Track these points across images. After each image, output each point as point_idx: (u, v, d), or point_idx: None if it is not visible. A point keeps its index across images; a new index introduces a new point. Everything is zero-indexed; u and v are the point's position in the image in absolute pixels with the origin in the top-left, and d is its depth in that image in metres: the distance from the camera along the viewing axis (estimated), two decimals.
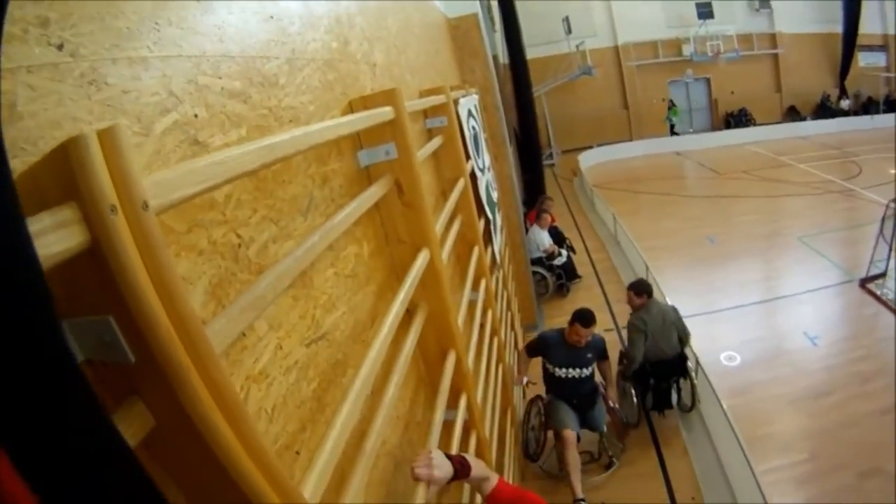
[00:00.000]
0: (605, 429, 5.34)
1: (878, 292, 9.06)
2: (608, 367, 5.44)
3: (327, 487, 1.28)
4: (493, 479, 2.41)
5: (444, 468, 1.81)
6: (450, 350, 2.18)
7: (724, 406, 5.51)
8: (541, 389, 5.48)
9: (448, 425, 2.28)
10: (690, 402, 6.21)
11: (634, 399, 6.02)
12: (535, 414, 5.57)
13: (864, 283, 9.39)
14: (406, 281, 1.66)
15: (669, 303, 6.62)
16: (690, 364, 6.11)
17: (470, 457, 2.19)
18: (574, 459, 4.77)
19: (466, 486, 2.32)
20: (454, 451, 2.17)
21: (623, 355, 6.17)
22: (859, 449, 5.97)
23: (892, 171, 15.55)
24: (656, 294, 6.58)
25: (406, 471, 1.90)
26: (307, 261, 1.15)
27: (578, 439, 5.03)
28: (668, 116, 23.63)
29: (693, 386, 6.12)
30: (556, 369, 5.02)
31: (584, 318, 4.76)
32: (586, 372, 5.06)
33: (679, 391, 6.20)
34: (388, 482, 1.78)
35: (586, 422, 5.21)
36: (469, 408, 2.47)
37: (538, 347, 5.15)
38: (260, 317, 1.07)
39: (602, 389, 5.46)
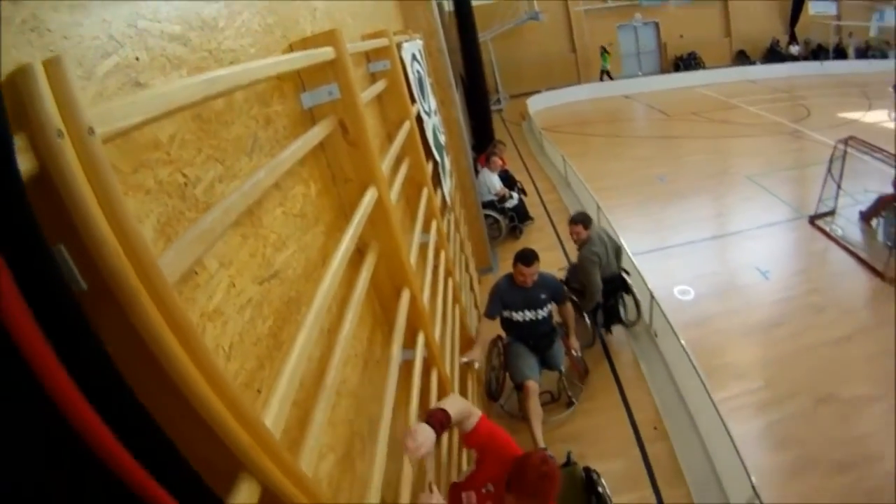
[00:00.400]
0: (563, 368, 5.37)
1: (828, 229, 9.36)
2: (569, 315, 5.36)
3: (291, 424, 1.33)
4: (475, 416, 2.55)
5: (427, 440, 2.01)
6: (403, 288, 2.23)
7: (681, 338, 5.68)
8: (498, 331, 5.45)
9: (408, 365, 2.34)
10: (635, 316, 6.72)
11: (587, 320, 6.24)
12: (495, 355, 5.58)
13: (813, 220, 9.69)
14: (354, 217, 1.68)
15: (618, 239, 6.85)
16: (629, 280, 6.47)
17: (451, 401, 2.32)
18: (536, 409, 4.82)
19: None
20: (415, 390, 2.22)
21: (572, 287, 6.25)
22: (813, 376, 6.24)
23: (841, 115, 15.94)
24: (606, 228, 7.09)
25: (370, 410, 1.95)
26: (253, 196, 1.16)
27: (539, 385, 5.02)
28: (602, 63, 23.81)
29: (636, 300, 6.57)
30: (513, 313, 5.01)
31: (524, 257, 4.74)
32: (542, 313, 5.03)
33: (625, 306, 6.57)
34: (352, 420, 1.82)
35: (545, 362, 5.23)
36: (427, 346, 2.53)
37: (495, 300, 4.99)
38: (209, 252, 1.08)
39: (562, 333, 5.43)
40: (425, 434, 2.03)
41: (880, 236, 8.89)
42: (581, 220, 6.01)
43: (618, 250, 6.38)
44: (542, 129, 15.21)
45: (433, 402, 2.64)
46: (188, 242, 0.89)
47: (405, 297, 2.21)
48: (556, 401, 5.61)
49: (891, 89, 15.88)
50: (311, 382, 1.46)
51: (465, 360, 4.51)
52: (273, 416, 1.04)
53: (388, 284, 2.19)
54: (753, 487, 4.10)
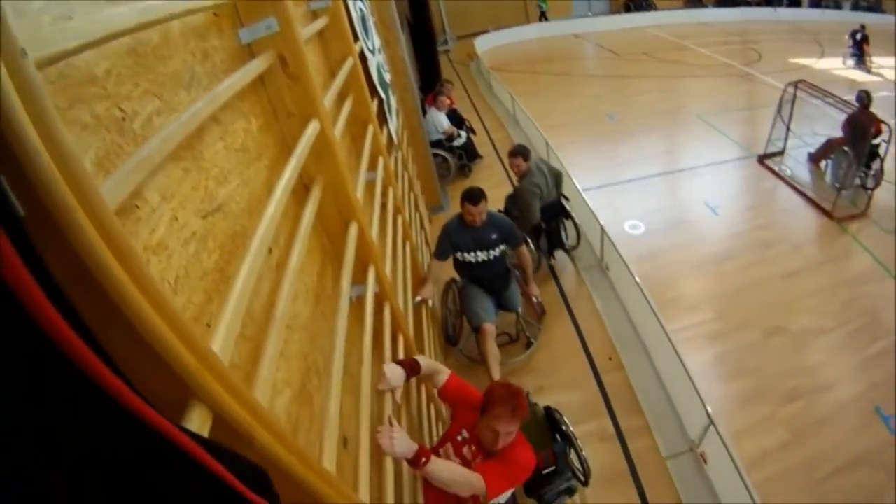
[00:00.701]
0: (520, 309, 5.34)
1: (776, 168, 9.65)
2: (525, 260, 5.18)
3: (244, 358, 1.36)
4: (445, 373, 2.73)
5: (396, 375, 2.25)
6: (351, 222, 2.25)
7: (632, 271, 5.81)
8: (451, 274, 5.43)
9: (362, 300, 2.38)
10: (575, 240, 7.08)
11: (531, 246, 6.26)
12: (451, 299, 5.57)
13: (762, 159, 9.97)
14: (297, 148, 1.69)
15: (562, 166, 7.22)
16: (568, 206, 6.73)
17: (422, 358, 2.54)
18: (493, 351, 4.78)
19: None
20: (368, 324, 2.27)
21: (511, 214, 6.28)
22: (763, 309, 6.48)
23: (792, 60, 16.14)
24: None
25: (323, 344, 1.99)
26: (192, 126, 1.15)
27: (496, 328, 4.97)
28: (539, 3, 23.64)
29: (576, 225, 6.94)
30: (465, 254, 4.87)
31: (470, 195, 4.56)
32: (494, 253, 4.89)
33: (565, 231, 6.88)
34: (307, 355, 1.86)
35: (501, 303, 5.18)
36: (379, 280, 2.57)
37: (445, 242, 4.83)
38: (150, 185, 1.08)
39: (518, 276, 5.41)
40: (394, 372, 2.27)
41: (828, 178, 9.24)
42: (520, 152, 6.17)
43: (558, 177, 6.53)
44: (490, 69, 15.05)
45: (387, 337, 2.69)
46: (127, 171, 0.90)
47: (353, 230, 2.24)
48: (514, 342, 5.66)
49: (847, 37, 16.21)
50: (262, 317, 1.48)
51: (417, 299, 4.49)
52: (220, 342, 1.05)
53: (335, 218, 2.20)
54: (709, 415, 4.28)
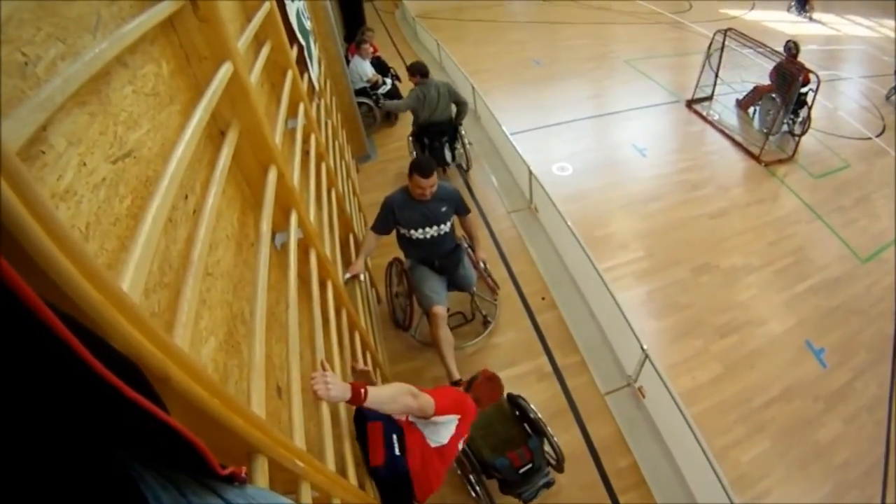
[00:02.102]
0: (475, 289, 5.16)
1: (704, 113, 9.94)
2: (473, 227, 4.98)
3: (163, 306, 1.35)
4: (429, 407, 2.69)
5: (338, 389, 2.18)
6: (270, 166, 2.23)
7: (561, 211, 5.91)
8: (396, 252, 5.09)
9: (285, 247, 2.37)
10: (466, 164, 8.01)
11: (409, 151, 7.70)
12: (397, 282, 5.30)
13: (690, 103, 10.25)
14: (209, 90, 1.66)
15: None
16: (463, 131, 7.59)
17: (378, 390, 2.45)
18: (446, 337, 4.53)
19: None
20: (292, 269, 2.26)
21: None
22: (691, 247, 6.72)
23: (723, 11, 16.40)
24: (485, 116, 8.23)
25: (247, 292, 1.99)
26: (96, 66, 1.13)
27: (448, 310, 4.76)
28: None
29: (465, 149, 7.82)
30: (413, 231, 4.55)
31: (420, 167, 4.27)
32: (445, 228, 4.60)
33: (454, 151, 7.63)
34: (231, 303, 1.85)
35: (454, 283, 4.92)
36: (302, 226, 2.56)
37: (386, 216, 4.52)
38: (56, 131, 1.06)
39: (467, 247, 5.14)
40: (339, 389, 2.19)
41: (756, 123, 9.63)
42: (417, 70, 7.02)
43: (459, 105, 7.24)
44: (415, 17, 14.80)
45: (315, 283, 2.70)
46: (28, 111, 0.88)
47: (272, 175, 2.22)
48: (468, 321, 5.55)
49: None
50: (181, 265, 1.48)
51: (347, 275, 4.18)
52: (129, 281, 1.06)
53: (253, 164, 2.18)
54: (644, 351, 4.45)
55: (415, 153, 7.50)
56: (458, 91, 7.34)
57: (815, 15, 17.12)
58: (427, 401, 2.65)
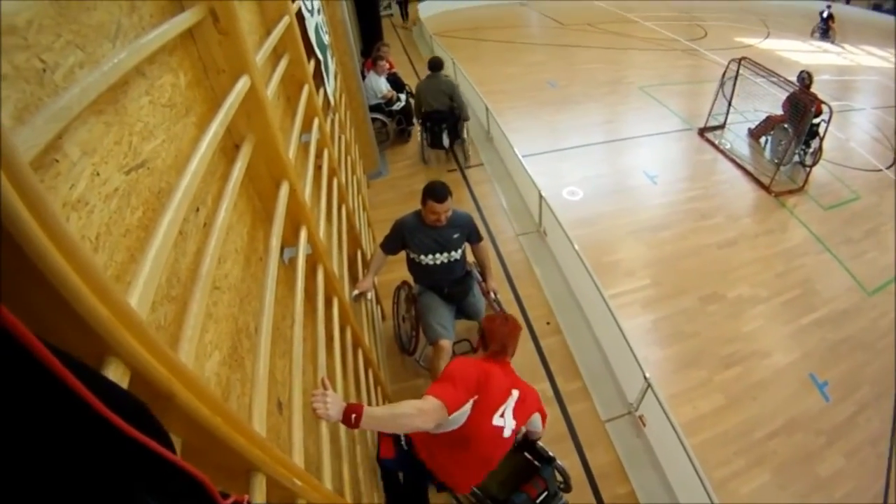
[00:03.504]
0: (483, 318, 4.86)
1: (717, 141, 9.93)
2: (485, 255, 4.89)
3: (169, 319, 1.34)
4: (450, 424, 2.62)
5: (336, 410, 2.16)
6: (282, 181, 2.23)
7: (569, 235, 5.89)
8: (403, 274, 5.01)
9: (294, 263, 2.37)
10: (464, 156, 9.16)
11: (419, 138, 8.98)
12: (405, 308, 5.21)
13: (702, 132, 10.25)
14: (225, 103, 1.66)
15: (512, 147, 7.18)
16: (466, 128, 8.82)
17: (374, 412, 2.31)
18: None
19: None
20: (300, 284, 2.25)
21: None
22: (699, 276, 6.69)
23: (737, 39, 16.52)
24: (497, 136, 8.92)
25: (253, 307, 1.98)
26: (114, 76, 1.12)
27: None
28: None
29: (464, 144, 9.04)
30: (422, 257, 4.45)
31: (433, 191, 4.12)
32: (456, 255, 4.50)
33: (453, 142, 8.81)
34: (237, 317, 1.84)
35: (463, 311, 4.83)
36: (311, 241, 2.55)
37: (396, 238, 4.45)
38: (70, 140, 1.05)
39: (478, 276, 5.03)
40: (335, 400, 2.18)
41: (767, 153, 9.61)
42: (429, 64, 8.33)
43: (452, 98, 8.31)
44: (432, 34, 14.90)
45: (320, 299, 2.69)
46: (44, 121, 0.87)
47: (284, 190, 2.22)
48: (475, 350, 5.34)
49: (819, 14, 18.17)
50: (189, 278, 1.46)
51: (355, 293, 4.20)
52: (138, 296, 1.04)
53: (266, 178, 2.17)
54: (647, 379, 4.41)
55: (425, 137, 8.83)
56: (459, 92, 8.44)
57: (830, 45, 17.51)
58: (434, 409, 2.45)
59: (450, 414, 2.51)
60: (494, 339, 3.06)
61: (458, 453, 2.74)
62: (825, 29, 17.99)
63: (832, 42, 17.70)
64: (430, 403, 2.44)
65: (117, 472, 0.66)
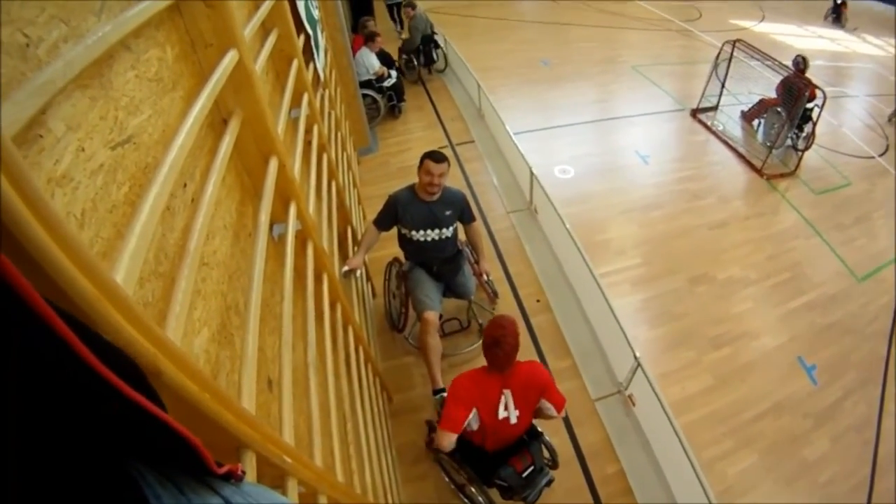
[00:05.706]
0: (473, 297, 5.07)
1: (709, 123, 9.92)
2: (478, 237, 4.93)
3: (157, 296, 1.33)
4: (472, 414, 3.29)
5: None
6: (271, 156, 2.21)
7: (560, 213, 5.88)
8: (394, 250, 5.02)
9: (283, 238, 2.35)
10: (443, 66, 11.74)
11: (414, 63, 11.23)
12: (395, 284, 5.24)
13: (695, 113, 10.23)
14: (213, 77, 1.64)
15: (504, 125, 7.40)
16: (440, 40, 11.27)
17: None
18: (433, 344, 4.45)
19: None
20: (289, 260, 2.24)
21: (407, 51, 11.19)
22: (689, 257, 6.71)
23: (732, 21, 16.43)
24: (489, 113, 9.00)
25: (242, 283, 1.97)
26: (98, 50, 1.10)
27: (441, 317, 4.75)
28: None
29: (444, 54, 11.55)
30: (413, 232, 4.48)
31: (433, 153, 4.19)
32: (447, 232, 4.52)
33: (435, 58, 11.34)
34: (225, 293, 1.83)
35: (452, 290, 4.86)
36: (301, 218, 2.54)
37: (389, 212, 4.46)
38: (55, 115, 1.03)
39: (469, 256, 5.07)
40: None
41: (760, 136, 9.63)
42: (408, 3, 10.88)
43: (431, 26, 11.00)
44: (424, 11, 14.75)
45: (310, 275, 2.69)
46: (27, 94, 0.86)
47: (273, 165, 2.20)
48: (464, 329, 5.49)
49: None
50: (177, 254, 1.45)
51: (345, 269, 4.23)
52: (124, 271, 1.03)
53: (254, 153, 2.15)
54: (636, 358, 4.43)
55: (414, 62, 11.30)
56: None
57: (825, 31, 17.41)
58: (443, 436, 3.16)
59: (458, 432, 3.15)
60: (493, 362, 3.28)
61: (488, 438, 3.39)
62: (837, 15, 17.98)
63: (843, 27, 17.67)
64: (439, 435, 3.19)
65: (107, 429, 0.66)
